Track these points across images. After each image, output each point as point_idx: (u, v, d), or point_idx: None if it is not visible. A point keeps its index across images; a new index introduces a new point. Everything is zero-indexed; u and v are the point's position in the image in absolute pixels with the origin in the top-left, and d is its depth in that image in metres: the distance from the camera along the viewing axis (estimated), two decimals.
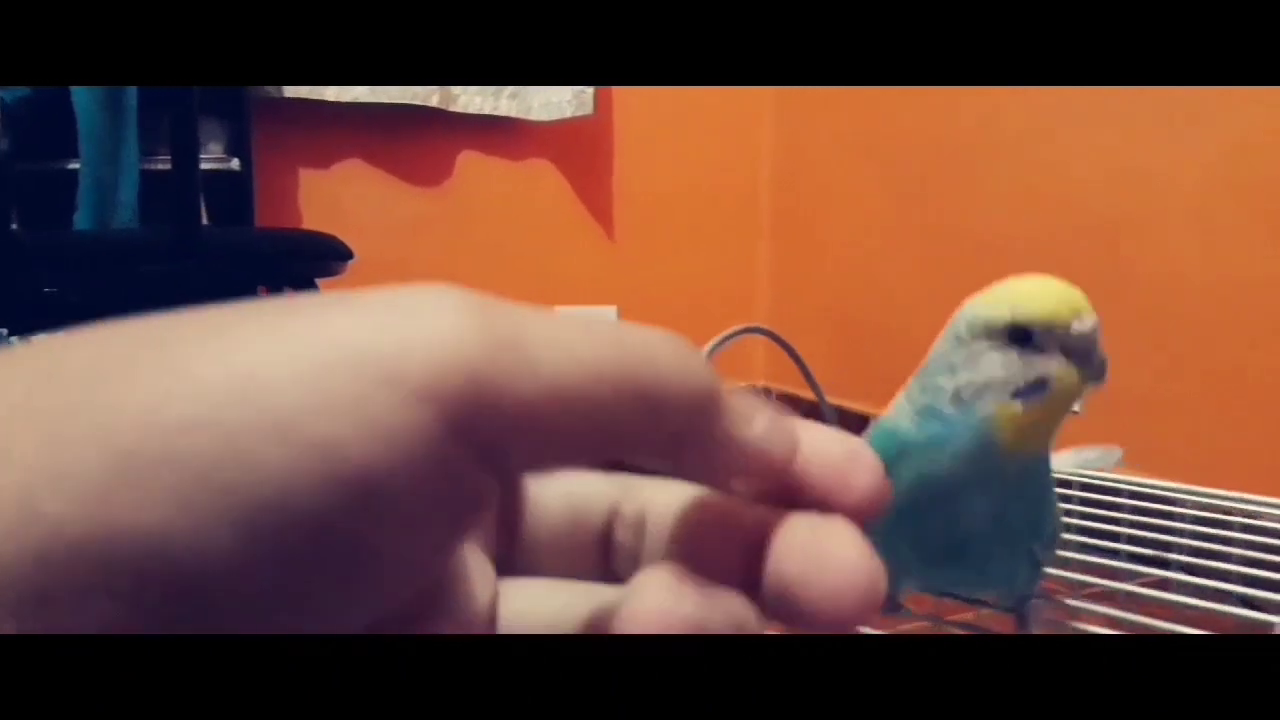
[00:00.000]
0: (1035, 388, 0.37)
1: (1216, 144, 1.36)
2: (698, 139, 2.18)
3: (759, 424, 0.16)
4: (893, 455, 0.40)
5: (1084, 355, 0.36)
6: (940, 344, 0.40)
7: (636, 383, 0.14)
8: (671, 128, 2.15)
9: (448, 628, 0.17)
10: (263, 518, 0.12)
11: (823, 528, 0.16)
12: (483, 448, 0.13)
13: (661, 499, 0.19)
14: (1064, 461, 0.42)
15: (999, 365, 0.38)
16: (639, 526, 0.19)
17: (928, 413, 0.40)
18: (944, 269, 1.80)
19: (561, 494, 0.20)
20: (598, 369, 0.14)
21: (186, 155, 1.11)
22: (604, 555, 0.19)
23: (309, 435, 0.12)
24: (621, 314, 2.15)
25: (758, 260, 2.26)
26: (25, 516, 0.12)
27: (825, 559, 0.16)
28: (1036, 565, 0.43)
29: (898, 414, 0.41)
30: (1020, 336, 0.37)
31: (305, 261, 1.30)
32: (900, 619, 0.44)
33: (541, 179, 2.08)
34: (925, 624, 0.48)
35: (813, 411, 2.11)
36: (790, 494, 0.17)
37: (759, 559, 0.17)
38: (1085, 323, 0.36)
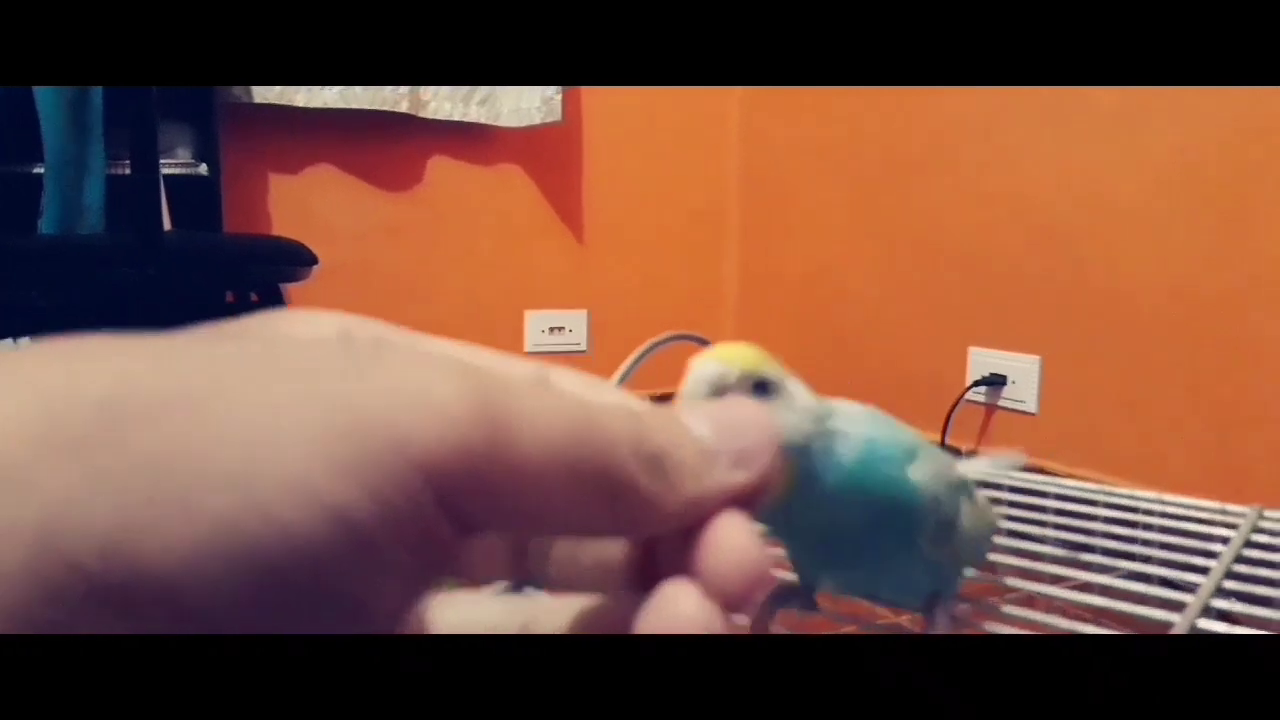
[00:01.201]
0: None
1: (1165, 148, 1.39)
2: (665, 145, 2.20)
3: (720, 461, 0.18)
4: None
5: None
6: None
7: (597, 475, 0.16)
8: (639, 133, 2.17)
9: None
10: (270, 568, 0.13)
11: (719, 519, 0.18)
12: (462, 515, 0.15)
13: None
14: (968, 467, 0.43)
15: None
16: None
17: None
18: (906, 269, 1.83)
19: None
20: (563, 459, 0.15)
21: (146, 158, 1.11)
22: (518, 554, 0.21)
23: (321, 496, 0.14)
24: (592, 317, 2.17)
25: (725, 263, 2.29)
26: (45, 552, 0.12)
27: (722, 546, 0.17)
28: (940, 568, 0.44)
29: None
30: (763, 387, 0.38)
31: (270, 267, 1.31)
32: (811, 616, 0.45)
33: (512, 184, 2.09)
34: (838, 623, 0.50)
35: None
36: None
37: (659, 547, 0.18)
38: (712, 367, 0.38)
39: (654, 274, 2.22)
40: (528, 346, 2.13)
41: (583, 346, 2.17)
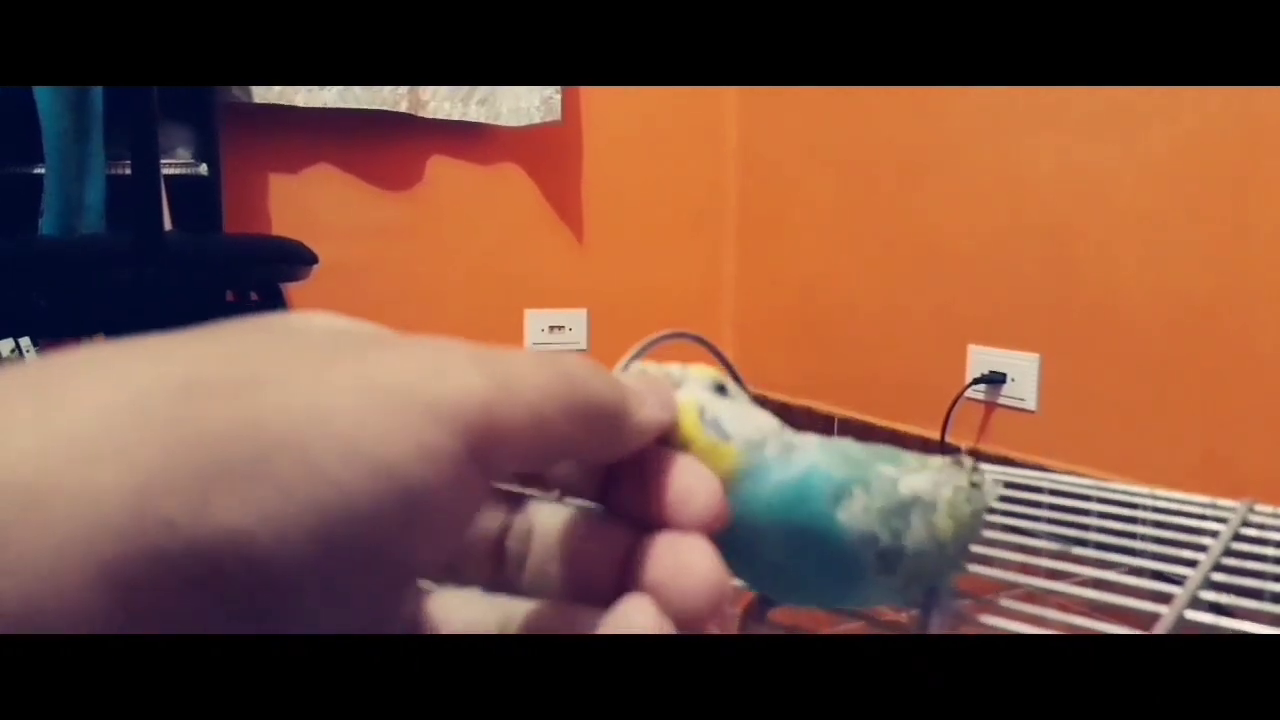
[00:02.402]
0: None
1: (1164, 148, 1.39)
2: (664, 144, 2.20)
3: (649, 401, 0.22)
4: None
5: None
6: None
7: (579, 405, 0.19)
8: (638, 133, 2.17)
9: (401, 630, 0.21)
10: (328, 524, 0.15)
11: (681, 543, 0.21)
12: (486, 462, 0.18)
13: (546, 515, 0.24)
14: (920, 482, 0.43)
15: None
16: (527, 537, 0.23)
17: None
18: (904, 268, 1.83)
19: None
20: (555, 399, 0.19)
21: (147, 158, 1.12)
22: (497, 561, 0.24)
23: (369, 457, 0.16)
24: (592, 316, 2.17)
25: (724, 262, 2.29)
26: (141, 516, 0.14)
27: (682, 567, 0.21)
28: (900, 588, 0.43)
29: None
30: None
31: (270, 266, 1.31)
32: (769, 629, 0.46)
33: (511, 184, 2.10)
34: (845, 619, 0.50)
35: (779, 413, 2.14)
36: (648, 514, 0.22)
37: (628, 566, 0.21)
38: (670, 366, 0.39)
39: (653, 273, 2.23)
40: (528, 345, 2.13)
41: (582, 345, 2.18)
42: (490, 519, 0.24)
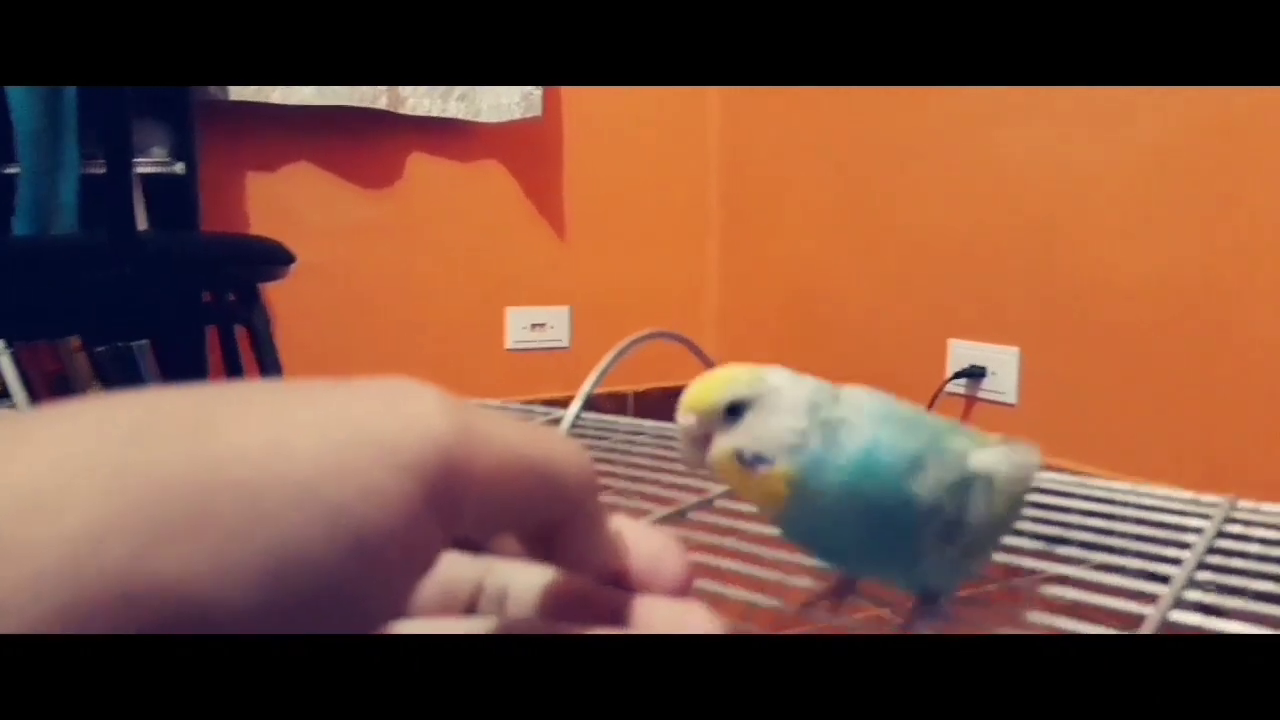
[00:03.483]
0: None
1: (1143, 143, 1.40)
2: (646, 139, 2.20)
3: (608, 527, 0.22)
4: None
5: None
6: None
7: (545, 467, 0.19)
8: (620, 129, 2.17)
9: None
10: (279, 569, 0.15)
11: (686, 613, 0.21)
12: (445, 511, 0.17)
13: (521, 578, 0.23)
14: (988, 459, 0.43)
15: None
16: (501, 599, 0.23)
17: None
18: (886, 263, 1.83)
19: (434, 574, 0.23)
20: (521, 455, 0.18)
21: (120, 157, 1.10)
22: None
23: (322, 499, 0.15)
24: (574, 313, 2.17)
25: (707, 258, 2.29)
26: (81, 564, 0.14)
27: (687, 629, 0.21)
28: (950, 565, 0.44)
29: None
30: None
31: (246, 266, 1.30)
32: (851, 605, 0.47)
33: (492, 180, 2.08)
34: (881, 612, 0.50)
35: None
36: (621, 578, 0.22)
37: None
38: (683, 420, 0.40)
39: (636, 270, 2.22)
40: (509, 343, 2.12)
41: (564, 343, 2.17)
42: (461, 580, 0.23)
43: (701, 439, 0.39)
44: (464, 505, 0.17)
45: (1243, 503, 0.61)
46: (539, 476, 0.19)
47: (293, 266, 1.40)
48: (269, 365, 1.32)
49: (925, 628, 0.45)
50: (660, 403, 2.06)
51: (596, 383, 0.50)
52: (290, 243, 1.52)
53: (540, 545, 0.22)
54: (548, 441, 0.19)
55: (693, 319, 2.28)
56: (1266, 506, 0.60)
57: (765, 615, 0.50)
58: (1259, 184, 1.27)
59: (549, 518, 0.20)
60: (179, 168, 1.65)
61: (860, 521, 0.39)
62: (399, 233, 2.01)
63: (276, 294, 1.91)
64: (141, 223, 1.43)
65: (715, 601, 0.51)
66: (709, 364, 0.62)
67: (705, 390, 0.39)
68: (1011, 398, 1.59)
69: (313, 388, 0.17)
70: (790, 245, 2.07)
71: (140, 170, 1.56)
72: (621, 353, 0.53)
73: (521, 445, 0.18)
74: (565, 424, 0.46)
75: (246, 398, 0.17)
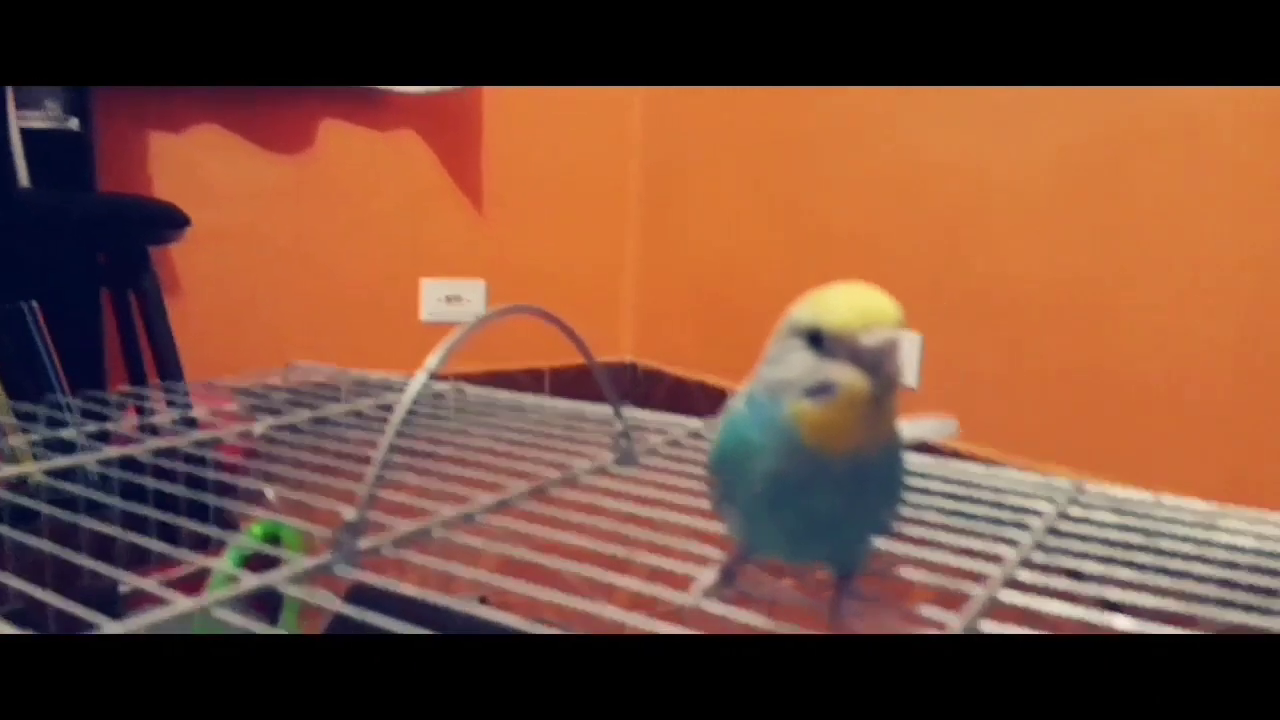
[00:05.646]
0: (822, 389, 0.39)
1: (1049, 145, 1.43)
2: (568, 118, 2.18)
3: None
4: (740, 451, 0.43)
5: (872, 366, 0.38)
6: (774, 335, 0.43)
7: None
8: (541, 103, 2.14)
9: None
10: None
11: None
12: None
13: None
14: (902, 430, 0.44)
15: (797, 364, 0.40)
16: None
17: (753, 401, 0.43)
18: (798, 252, 1.85)
19: None
20: None
21: None
22: None
23: None
24: (490, 288, 2.14)
25: (626, 238, 2.28)
26: None
27: None
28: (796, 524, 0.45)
29: (739, 398, 0.44)
30: (816, 340, 0.39)
31: (135, 228, 1.26)
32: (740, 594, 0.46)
33: (408, 150, 2.05)
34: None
35: (676, 387, 2.13)
36: None
37: None
38: (874, 337, 0.38)
39: (553, 247, 2.21)
40: (424, 315, 2.09)
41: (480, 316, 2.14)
42: None
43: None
44: None
45: (1088, 485, 0.62)
46: None
47: (187, 230, 1.36)
48: (158, 333, 1.28)
49: (851, 610, 0.46)
50: (575, 381, 2.05)
51: (443, 359, 0.49)
52: (194, 207, 1.48)
53: None
54: None
55: (610, 297, 2.28)
56: (1111, 490, 0.61)
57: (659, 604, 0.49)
58: (1148, 185, 1.31)
59: None
60: (73, 124, 1.59)
61: (731, 477, 0.42)
62: (310, 200, 1.97)
63: (182, 259, 1.85)
64: (23, 179, 1.38)
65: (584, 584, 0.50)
66: (575, 339, 0.62)
67: (883, 300, 0.40)
68: (912, 382, 1.62)
69: None
70: (708, 228, 2.08)
71: (29, 125, 1.50)
72: (473, 328, 0.52)
73: None
74: (406, 399, 0.45)
75: None
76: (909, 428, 0.47)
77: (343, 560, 0.45)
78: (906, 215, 1.64)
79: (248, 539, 0.82)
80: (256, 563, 0.78)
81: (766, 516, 0.43)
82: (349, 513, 0.45)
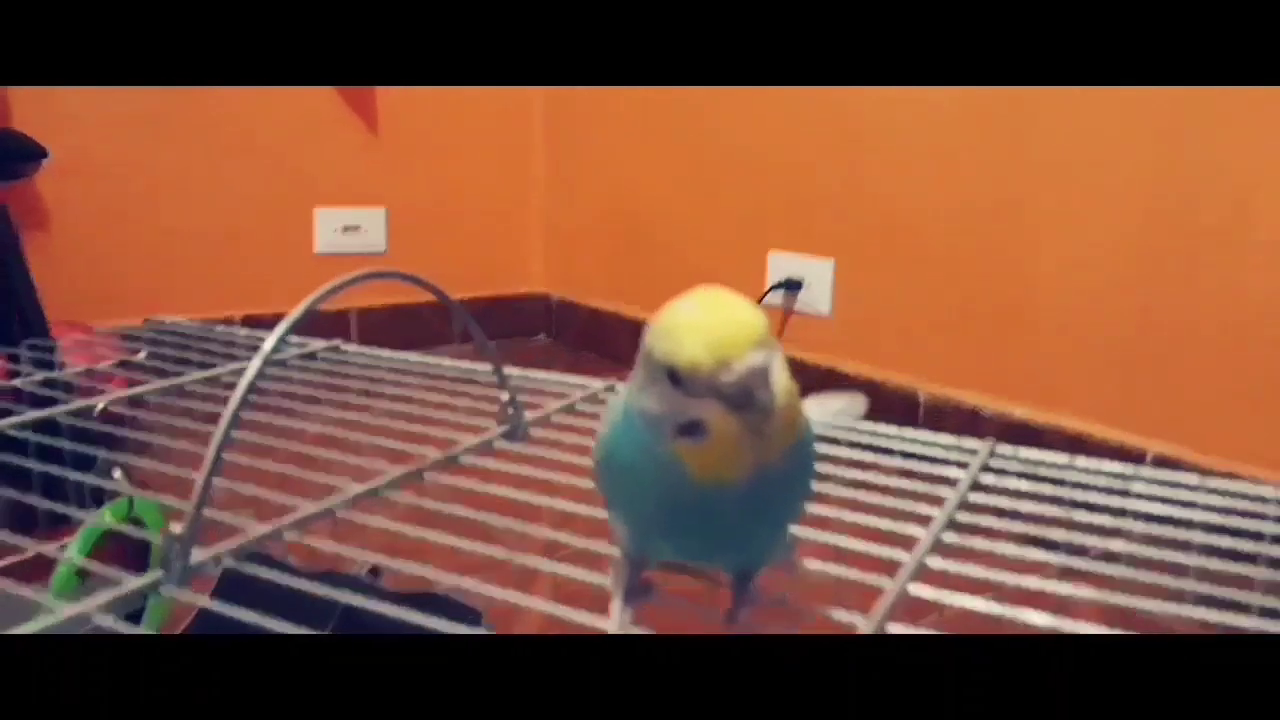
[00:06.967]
0: (692, 429, 0.34)
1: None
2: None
3: None
4: (627, 475, 0.39)
5: (738, 403, 0.33)
6: (639, 353, 0.36)
7: None
8: None
9: None
10: None
11: None
12: None
13: None
14: (810, 411, 0.39)
15: (663, 400, 0.34)
16: None
17: (630, 419, 0.37)
18: (707, 179, 1.80)
19: None
20: None
21: None
22: None
23: None
24: (390, 216, 2.04)
25: (532, 164, 2.19)
26: None
27: None
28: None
29: (622, 397, 0.39)
30: (675, 379, 0.33)
31: None
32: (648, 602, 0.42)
33: None
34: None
35: (591, 319, 2.08)
36: None
37: None
38: (733, 372, 0.32)
39: (457, 172, 2.11)
40: (319, 247, 1.99)
41: (381, 248, 2.05)
42: None
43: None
44: None
45: (1000, 448, 0.59)
46: None
47: (45, 162, 1.25)
48: (14, 274, 1.17)
49: (747, 614, 0.42)
50: (485, 314, 1.98)
51: (298, 319, 0.43)
52: (55, 136, 1.36)
53: None
54: None
55: (517, 225, 2.19)
56: (1023, 452, 0.59)
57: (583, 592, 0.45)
58: (1049, 115, 1.28)
59: None
60: None
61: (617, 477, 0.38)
62: (188, 127, 1.83)
63: (49, 193, 1.71)
64: None
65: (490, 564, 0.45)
66: (447, 301, 0.56)
67: (741, 319, 0.34)
68: (825, 309, 1.59)
69: None
70: (616, 154, 2.00)
71: None
72: (332, 290, 0.46)
73: None
74: (242, 386, 0.39)
75: None
76: (817, 410, 0.43)
77: (171, 581, 0.39)
78: (812, 140, 1.60)
79: (108, 516, 0.75)
80: (113, 544, 0.71)
81: (660, 537, 0.39)
82: (176, 526, 0.39)
